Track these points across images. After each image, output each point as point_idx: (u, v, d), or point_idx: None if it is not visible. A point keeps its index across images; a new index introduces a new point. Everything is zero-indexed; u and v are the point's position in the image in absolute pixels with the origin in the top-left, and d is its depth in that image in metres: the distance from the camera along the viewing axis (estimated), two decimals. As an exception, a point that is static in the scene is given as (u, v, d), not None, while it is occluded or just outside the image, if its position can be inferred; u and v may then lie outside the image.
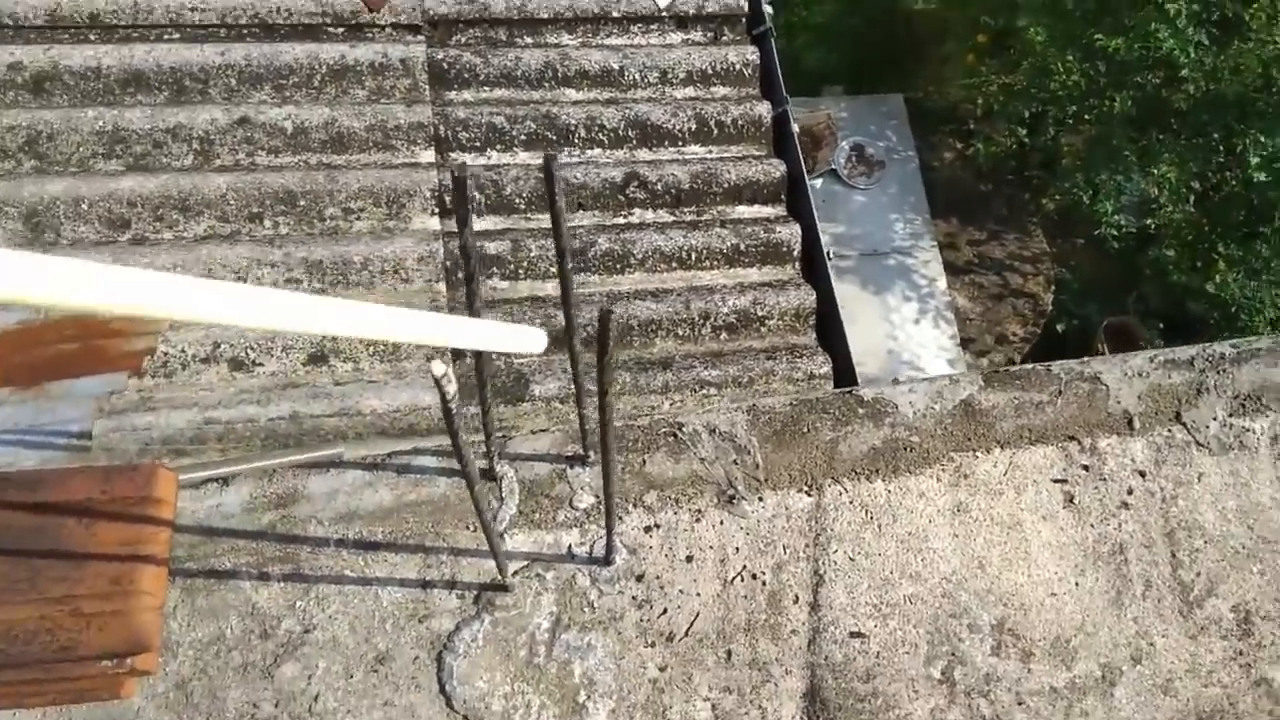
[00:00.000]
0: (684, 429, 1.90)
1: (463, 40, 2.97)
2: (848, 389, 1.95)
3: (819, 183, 6.53)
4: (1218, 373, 1.97)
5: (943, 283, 6.48)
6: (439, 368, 0.85)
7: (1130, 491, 1.89)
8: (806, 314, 2.91)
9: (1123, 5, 5.22)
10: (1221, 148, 5.72)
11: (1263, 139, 5.19)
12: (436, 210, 2.83)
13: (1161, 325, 6.19)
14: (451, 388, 0.93)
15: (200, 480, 1.89)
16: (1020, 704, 1.74)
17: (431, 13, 2.93)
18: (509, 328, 1.52)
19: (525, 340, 1.50)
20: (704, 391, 2.75)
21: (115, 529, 1.74)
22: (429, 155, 2.90)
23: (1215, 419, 1.94)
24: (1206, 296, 5.70)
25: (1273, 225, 5.55)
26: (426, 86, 2.90)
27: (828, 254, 2.94)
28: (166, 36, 2.84)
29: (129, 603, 1.69)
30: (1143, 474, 1.90)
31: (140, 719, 1.72)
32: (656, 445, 1.89)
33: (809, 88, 7.02)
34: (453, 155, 2.91)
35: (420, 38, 2.94)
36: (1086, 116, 5.83)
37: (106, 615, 1.68)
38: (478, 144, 2.92)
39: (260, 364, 2.62)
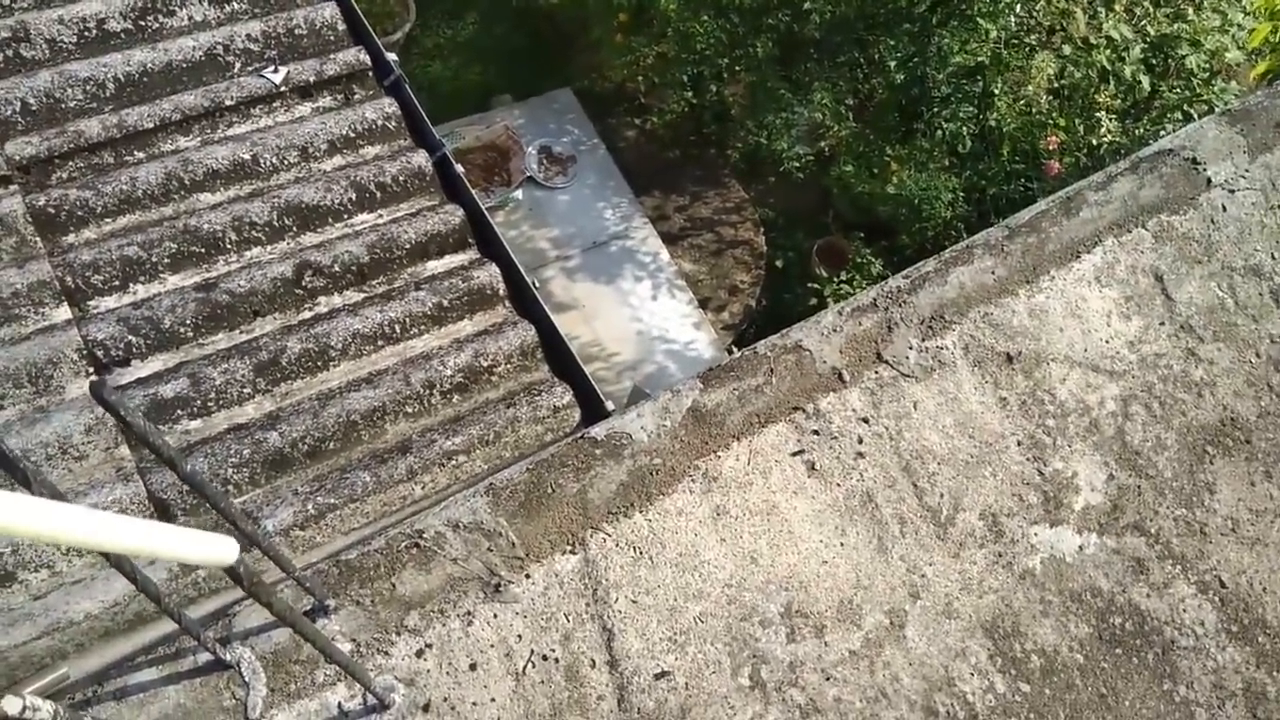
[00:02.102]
0: (425, 535, 1.76)
1: (64, 176, 2.62)
2: (579, 434, 1.89)
3: (519, 193, 6.48)
4: (899, 305, 2.08)
5: (665, 254, 6.66)
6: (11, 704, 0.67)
7: (861, 440, 1.96)
8: (532, 349, 2.83)
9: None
10: (861, 60, 6.25)
11: (892, 43, 5.68)
12: (90, 369, 2.49)
13: (862, 235, 6.69)
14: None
15: None
16: (829, 679, 1.77)
17: (17, 157, 2.56)
18: (197, 536, 1.31)
19: (216, 550, 1.32)
20: (453, 462, 2.61)
21: None
22: (63, 312, 2.54)
23: (911, 348, 2.06)
24: (890, 198, 6.22)
25: (924, 118, 6.11)
26: (37, 238, 2.54)
27: (532, 283, 2.87)
28: None
29: None
30: (866, 420, 1.98)
31: None
32: (401, 563, 1.74)
33: (478, 104, 6.95)
34: (91, 304, 2.57)
35: (13, 187, 2.56)
36: (737, 67, 6.16)
37: None
38: (116, 282, 2.59)
39: (-72, 611, 2.19)
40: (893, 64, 5.90)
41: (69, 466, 2.39)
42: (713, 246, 7.01)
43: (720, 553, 1.83)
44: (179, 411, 2.48)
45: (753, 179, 7.20)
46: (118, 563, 1.13)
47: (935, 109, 5.82)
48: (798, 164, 6.44)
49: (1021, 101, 5.53)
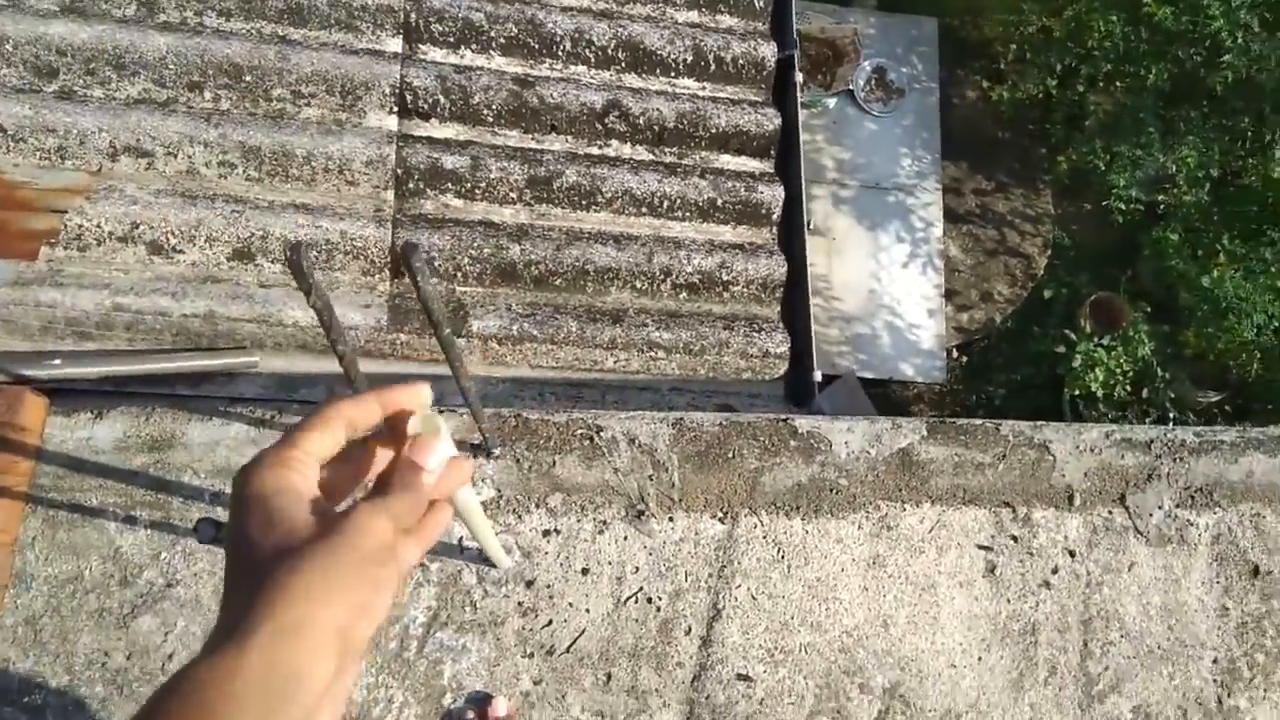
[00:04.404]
0: (602, 434, 1.76)
1: (449, -83, 2.64)
2: (783, 416, 1.81)
3: (833, 101, 6.17)
4: (1174, 460, 1.85)
5: (939, 229, 6.26)
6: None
7: (1055, 570, 1.79)
8: (774, 285, 2.73)
9: (1177, -26, 4.87)
10: (1249, 135, 5.48)
11: (1293, 136, 4.95)
12: (395, 109, 2.58)
13: (1149, 309, 6.06)
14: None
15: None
16: (894, 771, 1.70)
17: (419, -121, 2.59)
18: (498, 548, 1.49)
19: (499, 558, 1.54)
20: (651, 354, 2.59)
21: (-31, 453, 1.60)
22: (395, 44, 2.62)
23: (1160, 508, 1.83)
24: (1199, 289, 5.56)
25: (1281, 228, 5.37)
26: (404, -35, 2.60)
27: (809, 224, 2.73)
28: None
29: (-25, 537, 1.58)
30: (1072, 554, 1.80)
31: (-18, 651, 1.63)
32: (571, 447, 1.76)
33: (841, -4, 6.55)
34: (422, 48, 2.64)
35: (402, -94, 2.61)
36: (1118, 82, 5.52)
37: (-51, 547, 1.57)
38: (450, 39, 2.64)
39: (181, 251, 2.42)
40: (1280, 156, 5.14)
41: (338, 186, 2.53)
42: (990, 244, 6.52)
43: (857, 599, 1.75)
44: (449, 185, 2.55)
45: (1068, 197, 6.57)
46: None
47: (1304, 225, 5.08)
48: (1124, 206, 5.80)
49: None
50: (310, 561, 0.53)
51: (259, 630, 0.50)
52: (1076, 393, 5.63)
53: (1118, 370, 5.64)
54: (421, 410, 0.66)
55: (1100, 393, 5.58)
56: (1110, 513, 1.83)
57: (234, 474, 0.58)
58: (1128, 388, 5.68)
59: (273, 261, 2.46)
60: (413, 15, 2.61)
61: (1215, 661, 1.81)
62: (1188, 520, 1.84)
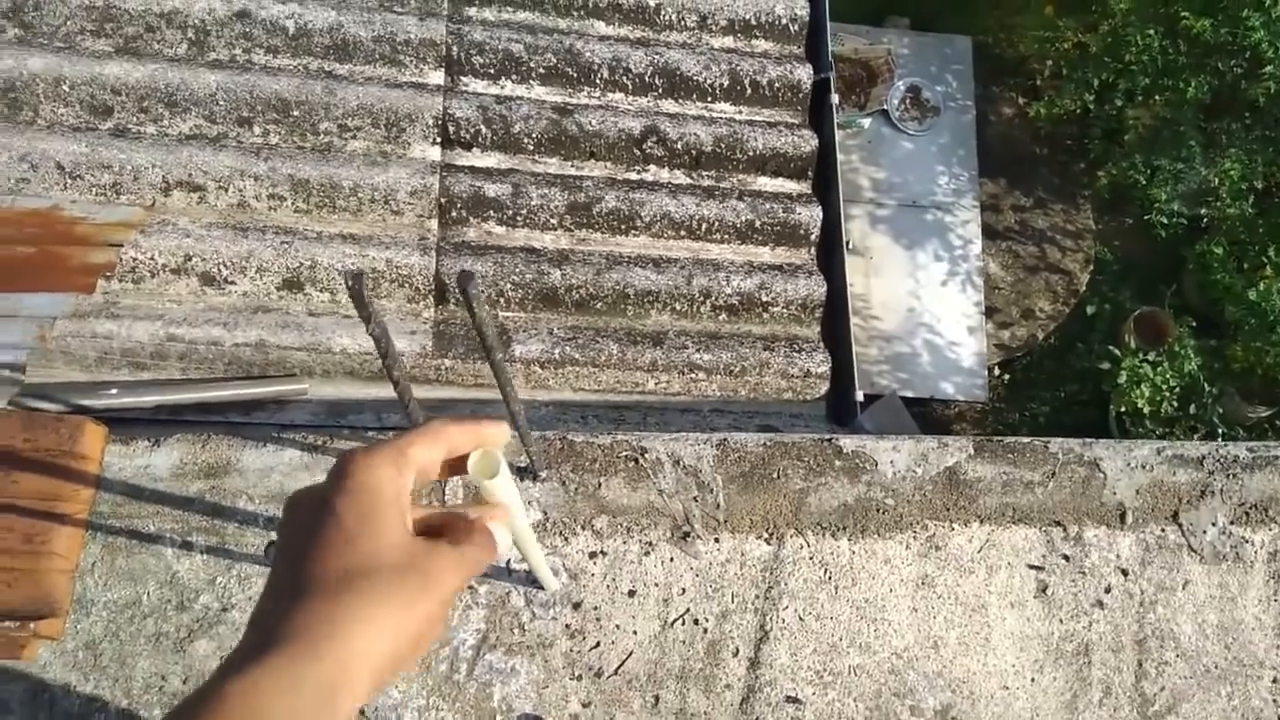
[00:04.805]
0: (646, 455, 1.77)
1: (489, -50, 2.70)
2: (828, 436, 1.81)
3: (868, 121, 6.17)
4: (1227, 476, 1.81)
5: (978, 246, 6.22)
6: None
7: (1108, 590, 1.77)
8: (814, 306, 2.73)
9: (1216, -14, 4.82)
10: (1294, 146, 5.38)
11: (1336, 143, 4.86)
12: (439, 140, 2.63)
13: (1194, 324, 5.94)
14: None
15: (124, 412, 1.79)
16: (947, 795, 1.68)
17: (455, -85, 2.66)
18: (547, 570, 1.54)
19: (548, 580, 1.60)
20: (692, 375, 2.61)
21: (34, 481, 1.65)
22: (438, 77, 2.68)
23: (1215, 524, 1.80)
24: (1246, 302, 5.44)
25: (1329, 239, 5.26)
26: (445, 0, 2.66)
27: (847, 244, 2.74)
28: (169, -96, 2.59)
29: (40, 563, 1.62)
30: (1125, 573, 1.77)
31: (45, 674, 1.68)
32: (615, 469, 1.77)
33: (872, 14, 6.56)
34: (463, 80, 2.69)
35: (442, -58, 2.68)
36: (1157, 95, 5.45)
37: (15, 573, 1.61)
38: (491, 71, 2.69)
39: (232, 282, 2.48)
40: (1324, 165, 5.04)
41: (383, 216, 2.58)
42: (1030, 260, 6.45)
43: (907, 620, 1.73)
44: (491, 212, 2.60)
45: (1109, 212, 6.50)
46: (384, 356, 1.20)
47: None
48: (1166, 220, 5.71)
49: None
50: (394, 592, 0.52)
51: (320, 650, 0.49)
52: (1122, 409, 5.53)
53: (1164, 386, 5.54)
54: (485, 456, 0.68)
55: (1147, 409, 5.48)
56: (1163, 530, 1.80)
57: (339, 458, 0.57)
58: (1174, 404, 5.56)
59: (321, 290, 2.52)
60: (454, 48, 2.67)
61: (1275, 681, 1.77)
62: (1243, 537, 1.80)
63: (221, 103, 2.55)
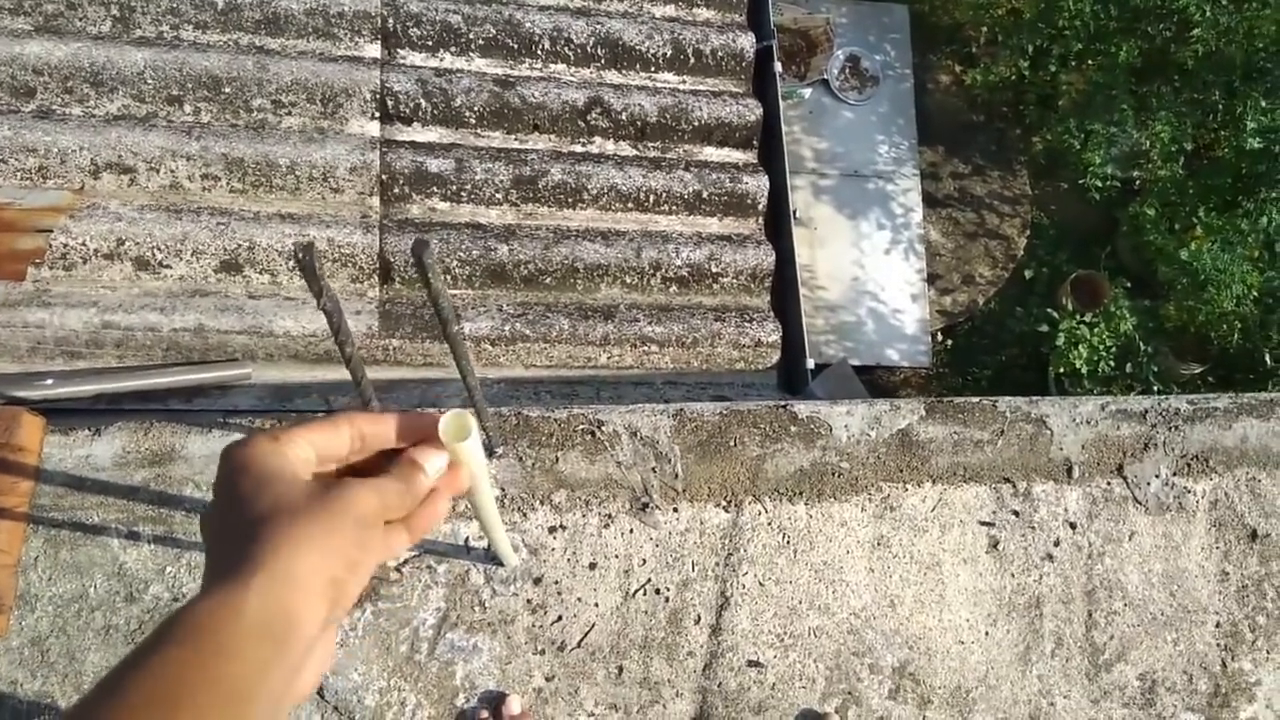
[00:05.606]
0: (604, 428, 1.77)
1: (423, -80, 2.63)
2: (782, 403, 1.82)
3: (808, 91, 6.18)
4: (1169, 429, 1.87)
5: (919, 214, 6.28)
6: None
7: (1057, 543, 1.81)
8: (764, 275, 2.74)
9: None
10: (1221, 107, 5.53)
11: (1264, 103, 4.99)
12: (377, 114, 2.57)
13: (1129, 284, 6.11)
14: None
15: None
16: (908, 748, 1.71)
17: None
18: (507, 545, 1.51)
19: (508, 556, 1.58)
20: (645, 348, 2.60)
21: (-33, 477, 1.59)
22: (374, 50, 2.61)
23: (1158, 476, 1.86)
24: (1177, 262, 5.60)
25: (1256, 198, 5.42)
26: (378, -29, 2.59)
27: (794, 213, 2.75)
28: None
29: (-22, 561, 1.56)
30: (1073, 526, 1.82)
31: (-10, 675, 1.62)
32: (573, 443, 1.76)
33: (812, -16, 6.56)
34: (400, 53, 2.63)
35: (374, -88, 2.60)
36: (1089, 60, 5.56)
37: (-48, 572, 1.55)
38: (430, 43, 2.63)
39: (168, 266, 2.41)
40: (1251, 124, 5.17)
41: (323, 194, 2.52)
42: (969, 227, 6.56)
43: (864, 581, 1.76)
44: (434, 188, 2.55)
45: (1045, 177, 6.62)
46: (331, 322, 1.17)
47: (1274, 194, 5.12)
48: (1100, 184, 5.84)
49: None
50: (306, 516, 0.54)
51: (257, 574, 0.51)
52: (1061, 370, 5.67)
53: (1101, 346, 5.67)
54: (457, 418, 0.66)
55: (1085, 369, 5.61)
56: (1109, 483, 1.85)
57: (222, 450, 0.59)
58: (1111, 364, 5.71)
59: (260, 272, 2.46)
60: (390, 20, 2.61)
61: (1218, 626, 1.84)
62: (1185, 488, 1.86)
63: (150, 81, 2.45)
